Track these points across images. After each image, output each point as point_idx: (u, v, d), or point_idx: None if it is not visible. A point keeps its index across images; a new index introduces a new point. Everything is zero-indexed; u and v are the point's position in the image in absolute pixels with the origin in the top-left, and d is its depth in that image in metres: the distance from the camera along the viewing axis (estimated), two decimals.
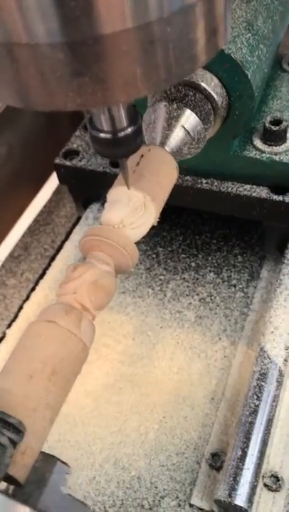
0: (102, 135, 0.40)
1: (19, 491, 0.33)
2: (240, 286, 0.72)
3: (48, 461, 0.35)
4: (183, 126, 0.52)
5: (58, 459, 0.35)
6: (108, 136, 0.39)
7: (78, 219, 0.86)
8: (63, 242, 0.83)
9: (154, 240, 0.79)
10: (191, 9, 0.28)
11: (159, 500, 0.56)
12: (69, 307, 0.40)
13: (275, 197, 0.62)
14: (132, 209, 0.47)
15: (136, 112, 0.40)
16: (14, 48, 0.27)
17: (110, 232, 0.45)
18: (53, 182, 0.98)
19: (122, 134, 0.39)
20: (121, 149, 0.41)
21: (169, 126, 0.52)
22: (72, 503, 0.33)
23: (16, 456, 0.33)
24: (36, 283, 0.78)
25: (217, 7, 0.30)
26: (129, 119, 0.39)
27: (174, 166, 0.50)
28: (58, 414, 0.38)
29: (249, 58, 0.53)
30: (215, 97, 0.53)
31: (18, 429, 0.31)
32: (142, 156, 0.48)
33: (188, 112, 0.52)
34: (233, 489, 0.49)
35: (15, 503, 0.26)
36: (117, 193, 0.47)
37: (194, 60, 0.30)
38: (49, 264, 0.79)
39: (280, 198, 0.62)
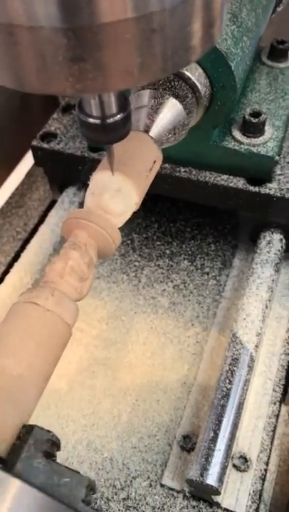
0: (90, 120, 0.40)
1: (1, 463, 0.33)
2: (213, 274, 0.74)
3: (27, 430, 0.35)
4: (166, 114, 0.52)
5: (37, 426, 0.35)
6: (97, 121, 0.40)
7: (52, 202, 0.85)
8: (36, 225, 0.83)
9: (129, 227, 0.80)
10: (192, 1, 0.29)
11: (131, 481, 0.57)
12: (55, 290, 0.40)
13: (252, 188, 0.63)
14: (115, 194, 0.47)
15: (126, 98, 0.40)
16: (16, 30, 0.27)
17: (94, 216, 0.45)
18: (25, 164, 0.97)
19: (111, 120, 0.39)
20: (109, 135, 0.41)
21: (153, 113, 0.52)
22: (55, 470, 0.33)
23: None
24: (8, 265, 0.77)
25: (216, 0, 0.30)
26: (119, 105, 0.39)
27: (157, 153, 0.50)
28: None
29: (233, 50, 0.54)
30: (199, 86, 0.54)
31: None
32: (127, 141, 0.48)
33: (172, 100, 0.53)
34: (204, 469, 0.51)
35: (7, 476, 0.27)
36: (100, 178, 0.47)
37: (191, 51, 0.31)
38: (22, 247, 0.79)
39: (256, 189, 0.63)
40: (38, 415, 0.62)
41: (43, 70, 0.29)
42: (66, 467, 0.33)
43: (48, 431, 0.35)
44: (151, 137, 0.50)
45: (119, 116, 0.39)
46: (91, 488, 0.33)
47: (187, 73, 0.53)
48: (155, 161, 0.50)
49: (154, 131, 0.51)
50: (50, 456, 0.33)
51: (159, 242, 0.78)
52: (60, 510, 0.26)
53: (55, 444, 0.34)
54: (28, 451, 0.33)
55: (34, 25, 0.27)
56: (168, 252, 0.77)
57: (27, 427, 0.36)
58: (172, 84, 0.53)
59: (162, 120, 0.52)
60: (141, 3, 0.27)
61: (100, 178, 0.47)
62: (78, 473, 0.33)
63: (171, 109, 0.53)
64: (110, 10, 0.26)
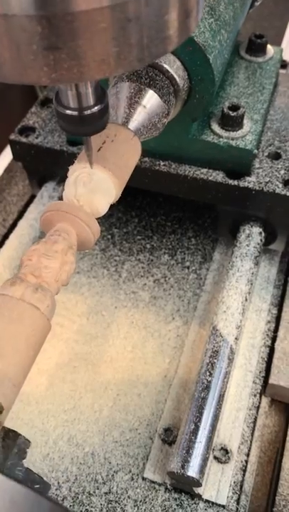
0: (68, 112, 0.39)
1: None
2: (194, 268, 0.74)
3: (10, 435, 0.35)
4: (145, 107, 0.52)
5: (20, 434, 0.35)
6: (74, 113, 0.39)
7: (31, 198, 0.84)
8: (15, 220, 0.82)
9: (109, 221, 0.80)
10: None
11: (113, 475, 0.57)
12: (36, 284, 0.40)
13: (230, 181, 0.64)
14: (94, 187, 0.47)
15: (103, 90, 0.40)
16: None
17: (73, 208, 0.44)
18: (4, 159, 0.96)
19: (88, 111, 0.39)
20: (86, 127, 0.41)
21: (131, 106, 0.52)
22: (32, 477, 0.33)
23: None
24: None
25: None
26: (97, 97, 0.39)
27: (136, 145, 0.50)
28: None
29: (211, 43, 0.54)
30: (177, 79, 0.54)
31: None
32: (107, 134, 0.48)
33: (150, 92, 0.52)
34: (185, 461, 0.51)
35: None
36: (79, 170, 0.47)
37: (168, 41, 0.31)
38: (0, 243, 0.78)
39: (235, 182, 0.63)
40: (18, 411, 0.62)
41: (18, 59, 0.28)
42: (39, 476, 0.33)
43: (27, 440, 0.35)
44: (130, 130, 0.50)
45: (96, 107, 0.39)
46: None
47: (165, 66, 0.53)
48: (134, 154, 0.50)
49: (133, 123, 0.51)
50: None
51: (139, 237, 0.78)
52: (36, 500, 0.26)
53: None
54: (13, 460, 0.33)
55: (7, 13, 0.26)
56: (148, 246, 0.77)
57: (10, 432, 0.35)
58: (151, 76, 0.53)
59: (141, 113, 0.52)
60: None
61: (79, 171, 0.47)
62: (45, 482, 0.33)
63: (149, 102, 0.52)
64: None
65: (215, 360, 0.57)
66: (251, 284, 0.64)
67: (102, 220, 0.79)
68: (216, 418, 0.55)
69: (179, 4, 0.30)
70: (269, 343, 0.66)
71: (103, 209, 0.48)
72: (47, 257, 0.42)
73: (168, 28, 0.30)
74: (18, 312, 0.38)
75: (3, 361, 0.36)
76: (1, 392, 0.34)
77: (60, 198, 0.74)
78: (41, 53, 0.28)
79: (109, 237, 0.78)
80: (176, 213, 0.80)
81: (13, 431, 0.36)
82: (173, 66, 0.54)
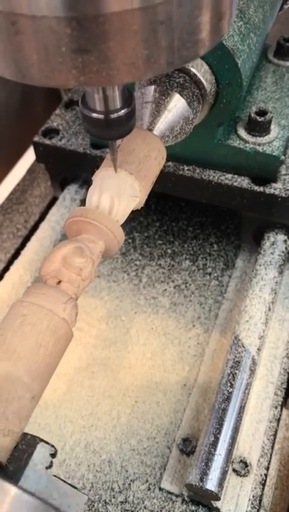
0: (94, 115, 0.39)
1: (1, 472, 0.32)
2: (215, 274, 0.73)
3: (31, 442, 0.34)
4: (171, 111, 0.51)
5: (43, 440, 0.35)
6: (100, 116, 0.38)
7: (52, 199, 0.84)
8: (37, 222, 0.82)
9: (130, 225, 0.79)
10: None
11: (129, 484, 0.56)
12: (62, 292, 0.39)
13: (256, 188, 0.62)
14: (119, 192, 0.46)
15: (130, 93, 0.39)
16: (19, 19, 0.26)
17: (98, 215, 0.44)
18: (26, 161, 0.96)
19: (114, 115, 0.38)
20: (113, 131, 0.40)
21: (158, 110, 0.51)
22: (57, 485, 0.32)
23: None
24: (8, 263, 0.76)
25: None
26: (124, 100, 0.38)
27: (162, 150, 0.49)
28: None
29: (240, 47, 0.53)
30: (204, 83, 0.53)
31: None
32: (131, 138, 0.47)
33: (176, 96, 0.52)
34: (204, 474, 0.50)
35: (1, 482, 0.26)
36: (104, 175, 0.46)
37: (200, 45, 0.30)
38: (22, 244, 0.78)
39: (261, 189, 0.62)
40: (36, 415, 0.61)
41: (46, 61, 0.28)
42: (68, 483, 0.32)
43: (52, 445, 0.34)
44: (155, 134, 0.49)
45: (123, 111, 0.38)
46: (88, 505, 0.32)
47: (193, 69, 0.52)
48: (159, 159, 0.49)
49: (159, 128, 0.50)
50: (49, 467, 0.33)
51: (160, 241, 0.77)
52: None
53: (54, 455, 0.34)
54: (33, 466, 0.33)
55: (37, 14, 0.26)
56: (169, 251, 0.76)
57: (30, 438, 0.35)
58: (178, 80, 0.52)
59: (167, 117, 0.51)
60: None
61: (103, 176, 0.46)
62: (78, 490, 0.32)
63: (176, 106, 0.51)
64: None
65: (236, 371, 0.56)
66: (275, 293, 0.62)
67: (123, 224, 0.78)
68: (236, 430, 0.53)
69: (213, 6, 0.29)
70: None
71: (126, 215, 0.47)
72: (67, 263, 0.41)
73: (200, 30, 0.29)
74: (31, 315, 0.38)
75: (34, 377, 0.35)
76: (26, 407, 0.34)
77: (83, 201, 0.74)
78: (70, 56, 0.27)
79: (130, 241, 0.77)
80: (199, 218, 0.79)
81: (35, 437, 0.35)
82: (200, 70, 0.53)
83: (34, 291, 0.39)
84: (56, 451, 0.34)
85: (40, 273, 0.41)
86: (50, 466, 0.33)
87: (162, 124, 0.50)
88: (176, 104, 0.51)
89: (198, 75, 0.53)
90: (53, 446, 0.34)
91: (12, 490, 0.26)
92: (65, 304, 0.38)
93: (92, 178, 0.48)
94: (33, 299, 0.38)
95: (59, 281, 0.40)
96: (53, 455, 0.34)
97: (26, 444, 0.34)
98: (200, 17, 0.28)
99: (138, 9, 0.26)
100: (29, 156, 0.95)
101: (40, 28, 0.26)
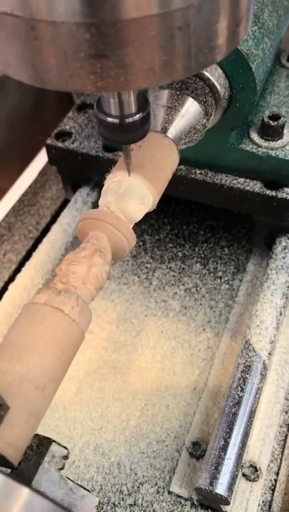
0: (109, 119, 0.39)
1: (13, 472, 0.32)
2: (226, 278, 0.73)
3: (43, 443, 0.34)
4: (184, 115, 0.51)
5: (55, 441, 0.35)
6: (116, 120, 0.39)
7: (64, 202, 0.85)
8: (48, 224, 0.82)
9: (141, 228, 0.79)
10: None
11: (138, 487, 0.56)
12: (79, 299, 0.39)
13: (268, 192, 0.62)
14: (131, 195, 0.46)
15: (146, 98, 0.39)
16: (39, 24, 0.26)
17: (109, 217, 0.44)
18: (38, 163, 0.97)
19: (129, 119, 0.39)
20: (127, 135, 0.40)
21: (171, 114, 0.51)
22: (68, 486, 0.33)
23: (10, 437, 0.33)
24: (19, 264, 0.77)
25: None
26: (139, 105, 0.38)
27: (175, 154, 0.49)
28: None
29: (254, 51, 0.53)
30: (218, 87, 0.53)
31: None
32: (145, 141, 0.47)
33: (190, 100, 0.52)
34: (214, 478, 0.50)
35: (13, 483, 0.26)
36: (116, 178, 0.46)
37: (217, 51, 0.30)
38: (33, 246, 0.78)
39: (273, 193, 0.62)
40: (46, 417, 0.61)
41: (64, 66, 0.28)
42: (79, 485, 0.32)
43: (64, 447, 0.34)
44: (169, 138, 0.49)
45: (138, 116, 0.39)
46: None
47: (207, 74, 0.52)
48: (172, 163, 0.49)
49: (172, 132, 0.50)
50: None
51: (171, 245, 0.77)
52: None
53: (66, 456, 0.34)
54: (45, 467, 0.33)
55: (56, 20, 0.26)
56: (180, 254, 0.76)
57: (42, 439, 0.35)
58: (191, 84, 0.52)
59: (180, 121, 0.51)
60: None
61: (116, 179, 0.47)
62: (89, 491, 0.32)
63: (189, 110, 0.52)
64: (135, 5, 0.26)
65: (247, 376, 0.56)
66: (286, 297, 0.62)
67: (134, 227, 0.79)
68: (246, 435, 0.53)
69: (230, 13, 0.29)
70: None
71: (138, 218, 0.47)
72: (74, 264, 0.42)
73: (218, 36, 0.29)
74: (40, 315, 0.38)
75: (48, 379, 0.35)
76: (39, 408, 0.34)
77: (94, 203, 0.74)
78: (88, 61, 0.27)
79: (141, 244, 0.77)
80: (210, 222, 0.79)
81: (47, 438, 0.36)
82: (214, 74, 0.53)
83: (45, 291, 0.39)
84: (68, 453, 0.34)
85: (57, 271, 0.41)
86: (62, 468, 0.34)
87: (176, 128, 0.51)
88: (190, 109, 0.52)
89: (212, 79, 0.53)
90: (65, 447, 0.34)
91: (24, 491, 0.26)
92: (76, 305, 0.39)
93: (106, 181, 0.48)
94: (45, 300, 0.38)
95: (68, 284, 0.40)
96: (66, 457, 0.34)
97: (38, 445, 0.34)
98: (218, 23, 0.28)
99: (156, 15, 0.26)
100: (41, 159, 0.95)
101: (60, 34, 0.26)
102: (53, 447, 0.34)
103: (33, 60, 0.28)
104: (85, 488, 0.32)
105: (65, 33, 0.26)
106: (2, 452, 0.32)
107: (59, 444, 0.34)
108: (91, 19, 0.25)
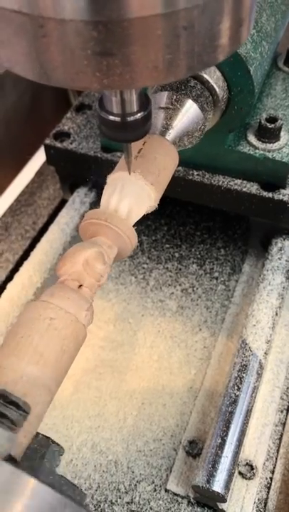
0: (111, 117, 0.39)
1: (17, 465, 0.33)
2: (222, 279, 0.73)
3: (42, 441, 0.35)
4: (184, 117, 0.52)
5: (53, 441, 0.35)
6: (117, 119, 0.39)
7: (61, 202, 0.85)
8: (45, 224, 0.82)
9: (138, 229, 0.78)
10: None
11: (135, 485, 0.56)
12: (84, 298, 0.40)
13: (265, 193, 0.63)
14: (132, 195, 0.47)
15: (147, 97, 0.40)
16: (47, 22, 0.27)
17: (112, 217, 0.44)
18: (35, 163, 0.97)
19: (131, 118, 0.39)
20: (128, 134, 0.41)
21: (171, 115, 0.52)
22: (65, 485, 0.33)
23: (18, 435, 0.33)
24: (16, 264, 0.77)
25: None
26: (140, 103, 0.39)
27: (174, 155, 0.50)
28: None
29: (252, 54, 0.54)
30: (217, 89, 0.54)
31: (22, 409, 0.31)
32: (145, 143, 0.48)
33: (189, 102, 0.52)
34: (211, 476, 0.51)
35: (21, 473, 0.26)
36: (117, 178, 0.47)
37: (220, 50, 0.31)
38: (30, 246, 0.78)
39: (270, 194, 0.63)
40: None
41: (71, 63, 0.28)
42: (73, 484, 0.33)
43: (58, 444, 0.34)
44: (168, 139, 0.50)
45: (139, 114, 0.39)
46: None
47: (205, 76, 0.53)
48: (171, 163, 0.50)
49: (171, 133, 0.51)
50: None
51: (168, 245, 0.78)
52: (74, 508, 0.26)
53: (61, 454, 0.35)
54: (45, 468, 0.33)
55: (64, 18, 0.26)
56: (177, 255, 0.76)
57: (42, 438, 0.35)
58: (190, 86, 0.53)
59: (179, 122, 0.52)
60: None
61: (117, 178, 0.47)
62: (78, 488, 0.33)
63: (188, 112, 0.52)
64: (141, 5, 0.26)
65: (243, 375, 0.56)
66: (282, 298, 0.63)
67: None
68: (242, 433, 0.54)
69: (234, 13, 0.29)
70: None
71: (139, 217, 0.48)
72: (91, 269, 0.42)
73: (221, 36, 0.30)
74: (64, 323, 0.38)
75: (53, 379, 0.36)
76: (42, 407, 0.34)
77: (92, 204, 0.74)
78: (95, 59, 0.28)
79: (138, 244, 0.77)
80: (206, 223, 0.80)
81: (46, 437, 0.36)
82: (213, 76, 0.54)
83: (59, 293, 0.39)
84: (63, 451, 0.35)
85: (58, 271, 0.42)
86: (57, 465, 0.34)
87: (175, 129, 0.51)
88: (189, 110, 0.52)
89: (211, 81, 0.53)
90: (58, 444, 0.35)
91: (31, 481, 0.26)
92: (87, 310, 0.39)
93: (108, 180, 0.48)
94: (60, 302, 0.38)
95: (80, 285, 0.41)
96: (61, 454, 0.35)
97: (39, 444, 0.35)
98: (222, 23, 0.29)
99: (162, 15, 0.27)
100: (38, 159, 0.95)
101: (67, 31, 0.27)
102: (52, 446, 0.34)
103: (41, 57, 0.29)
104: (73, 485, 0.32)
105: (73, 30, 0.27)
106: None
107: (54, 443, 0.34)
108: (98, 17, 0.26)
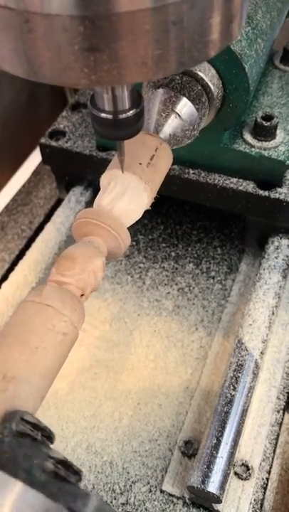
0: (102, 115, 0.39)
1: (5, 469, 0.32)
2: (219, 278, 0.73)
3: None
4: (178, 114, 0.52)
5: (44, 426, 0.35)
6: (109, 116, 0.39)
7: (58, 201, 0.85)
8: (42, 223, 0.82)
9: (134, 228, 0.78)
10: None
11: (131, 486, 0.56)
12: (71, 294, 0.39)
13: (261, 192, 0.62)
14: (126, 194, 0.46)
15: (140, 94, 0.39)
16: (32, 17, 0.26)
17: (104, 216, 0.44)
18: (32, 162, 0.97)
19: (123, 115, 0.39)
20: (121, 131, 0.40)
21: (164, 113, 0.51)
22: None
23: None
24: (12, 263, 0.76)
25: None
26: (132, 101, 0.39)
27: (168, 153, 0.50)
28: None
29: (247, 52, 0.53)
30: (211, 87, 0.53)
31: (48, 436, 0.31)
32: (139, 142, 0.47)
33: (184, 100, 0.52)
34: (206, 476, 0.50)
35: (6, 477, 0.26)
36: (111, 176, 0.47)
37: (211, 46, 0.30)
38: (26, 245, 0.78)
39: (266, 193, 0.62)
40: (38, 416, 0.61)
41: (58, 59, 0.28)
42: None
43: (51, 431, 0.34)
44: (161, 137, 0.50)
45: (131, 112, 0.39)
46: None
47: (200, 74, 0.53)
48: (165, 162, 0.49)
49: (165, 131, 0.51)
50: None
51: (164, 244, 0.77)
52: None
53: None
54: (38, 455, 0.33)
55: (50, 13, 0.26)
56: (173, 254, 0.76)
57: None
58: (185, 84, 0.52)
59: (174, 121, 0.51)
60: None
61: (111, 177, 0.47)
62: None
63: (182, 110, 0.52)
64: None
65: (239, 374, 0.56)
66: (279, 297, 0.62)
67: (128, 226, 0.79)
68: (238, 433, 0.53)
69: (224, 8, 0.29)
70: None
71: (135, 216, 0.47)
72: (95, 278, 0.42)
73: (211, 32, 0.29)
74: (36, 313, 0.38)
75: (42, 379, 0.36)
76: (32, 408, 0.34)
77: (88, 203, 0.74)
78: (82, 54, 0.27)
79: (134, 243, 0.77)
80: (203, 222, 0.79)
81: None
82: (208, 74, 0.53)
83: (70, 304, 0.39)
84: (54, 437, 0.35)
85: (59, 268, 0.41)
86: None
87: (169, 127, 0.51)
88: (183, 108, 0.52)
89: (206, 79, 0.53)
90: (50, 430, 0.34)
91: (17, 485, 0.26)
92: (78, 308, 0.39)
93: (102, 179, 0.48)
94: (71, 315, 0.38)
95: (82, 294, 0.41)
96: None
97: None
98: (211, 18, 0.29)
99: (150, 9, 0.26)
100: (34, 158, 0.95)
101: (54, 27, 0.26)
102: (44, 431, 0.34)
103: (27, 53, 0.28)
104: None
105: (59, 25, 0.26)
106: None
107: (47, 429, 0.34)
108: (85, 12, 0.26)
